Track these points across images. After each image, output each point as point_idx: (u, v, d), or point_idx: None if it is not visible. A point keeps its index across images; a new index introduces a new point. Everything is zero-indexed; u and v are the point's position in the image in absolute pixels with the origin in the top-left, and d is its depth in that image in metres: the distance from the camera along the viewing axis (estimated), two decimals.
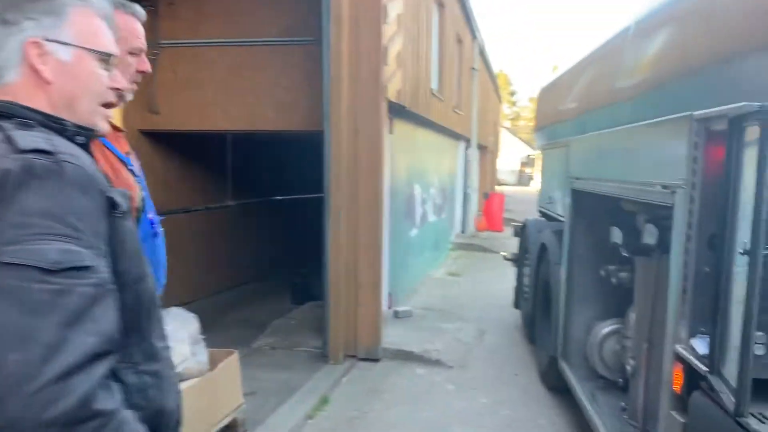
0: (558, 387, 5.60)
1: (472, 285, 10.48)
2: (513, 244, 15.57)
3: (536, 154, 57.73)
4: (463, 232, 16.29)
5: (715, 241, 2.56)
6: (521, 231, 7.80)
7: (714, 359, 2.17)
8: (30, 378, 1.00)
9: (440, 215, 12.57)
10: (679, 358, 2.63)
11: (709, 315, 2.62)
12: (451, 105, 12.16)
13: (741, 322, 1.86)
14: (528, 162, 64.86)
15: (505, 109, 63.35)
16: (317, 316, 7.26)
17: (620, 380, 4.51)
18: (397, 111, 7.31)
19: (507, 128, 53.59)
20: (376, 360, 6.30)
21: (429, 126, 10.19)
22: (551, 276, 5.50)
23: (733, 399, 1.91)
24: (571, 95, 6.31)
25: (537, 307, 6.38)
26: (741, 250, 1.84)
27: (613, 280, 4.45)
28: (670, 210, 3.64)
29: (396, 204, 8.11)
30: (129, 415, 1.14)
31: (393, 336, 6.81)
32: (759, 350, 2.12)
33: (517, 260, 8.12)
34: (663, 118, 2.93)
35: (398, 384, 5.77)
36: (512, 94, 68.44)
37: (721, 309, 2.14)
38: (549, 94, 7.76)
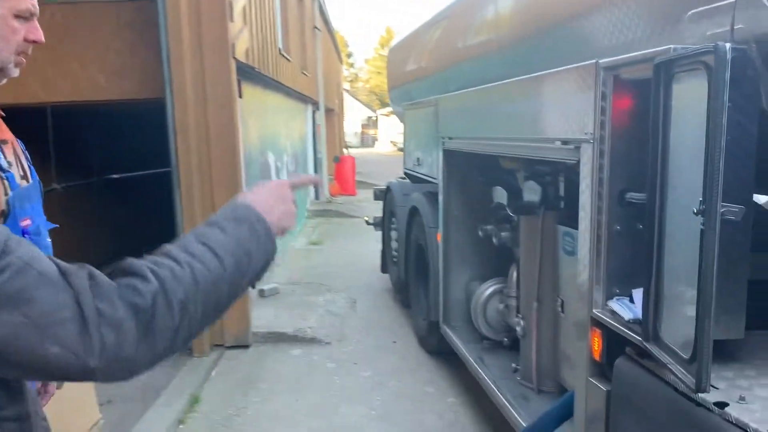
0: (439, 351, 5.51)
1: (335, 253, 10.20)
2: (372, 208, 15.56)
3: (378, 115, 58.39)
4: (317, 198, 15.94)
5: (627, 197, 2.42)
6: (384, 194, 7.59)
7: (650, 327, 2.02)
8: None
9: None
10: (597, 324, 2.49)
11: (626, 278, 2.51)
12: (298, 66, 11.61)
13: (697, 290, 1.70)
14: (370, 123, 65.65)
15: (344, 71, 63.25)
16: None
17: (505, 340, 4.46)
18: (245, 73, 6.70)
19: (347, 90, 53.50)
20: (246, 346, 5.82)
21: (278, 89, 9.61)
22: (426, 239, 5.32)
23: (684, 372, 1.76)
24: (429, 52, 6.11)
25: (410, 271, 6.22)
26: (694, 210, 1.66)
27: (494, 239, 4.34)
28: (558, 166, 3.57)
29: (250, 175, 7.54)
30: None
31: (262, 317, 6.35)
32: (682, 310, 2.01)
33: (382, 224, 7.93)
34: (561, 68, 2.73)
35: (274, 370, 5.36)
36: (349, 55, 68.38)
37: (657, 272, 1.99)
38: (403, 52, 7.53)
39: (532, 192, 3.77)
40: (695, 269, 1.85)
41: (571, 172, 3.56)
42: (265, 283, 7.48)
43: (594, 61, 2.43)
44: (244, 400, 4.78)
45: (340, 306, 7.05)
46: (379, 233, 9.05)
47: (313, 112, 15.56)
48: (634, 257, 2.49)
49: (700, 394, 1.85)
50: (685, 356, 1.80)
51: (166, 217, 5.76)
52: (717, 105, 1.60)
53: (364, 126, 65.38)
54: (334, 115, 20.75)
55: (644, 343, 2.06)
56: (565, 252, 3.43)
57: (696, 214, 1.65)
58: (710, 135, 1.61)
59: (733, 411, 1.79)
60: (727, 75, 1.60)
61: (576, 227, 3.31)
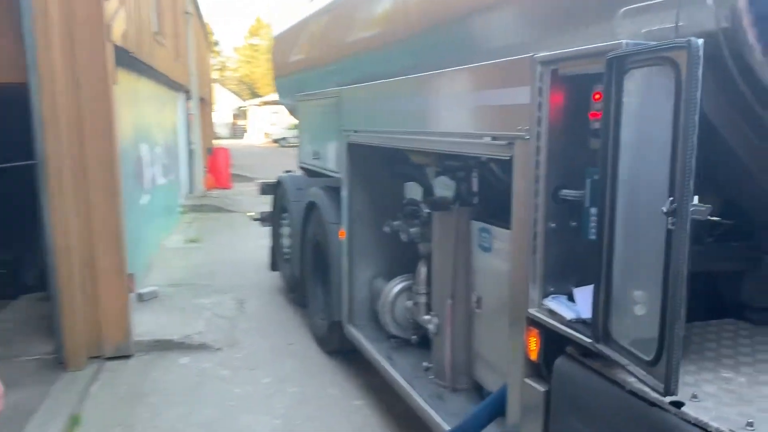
0: (340, 351, 5.35)
1: (216, 250, 9.70)
2: (251, 202, 15.10)
3: (249, 105, 56.77)
4: (191, 192, 15.15)
5: (562, 194, 2.38)
6: (274, 189, 7.28)
7: (600, 327, 1.98)
8: None
9: (168, 176, 11.38)
10: (534, 323, 2.44)
11: (563, 276, 2.48)
12: (172, 52, 10.90)
13: (663, 290, 1.66)
14: (240, 114, 63.87)
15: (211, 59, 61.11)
16: (41, 313, 5.92)
17: (414, 338, 4.38)
18: (120, 58, 6.12)
19: (215, 80, 51.69)
20: (128, 357, 5.33)
21: (151, 75, 8.94)
22: (327, 236, 5.13)
23: (646, 374, 1.73)
24: (322, 42, 5.89)
25: (306, 268, 5.99)
26: (664, 209, 1.62)
27: (403, 235, 4.23)
28: (472, 161, 3.51)
29: (125, 168, 6.93)
30: None
31: (143, 324, 5.85)
32: (640, 310, 1.99)
33: (271, 220, 7.61)
34: (494, 62, 2.65)
35: (162, 381, 4.94)
36: (215, 44, 65.97)
37: (607, 271, 1.95)
38: (290, 41, 7.24)
39: (445, 187, 3.69)
40: (651, 268, 1.83)
41: (485, 168, 3.53)
42: (143, 286, 6.93)
43: (530, 54, 2.36)
44: (132, 417, 4.35)
45: (228, 308, 6.68)
46: (265, 229, 8.72)
47: (185, 101, 14.75)
48: (570, 255, 2.46)
49: (654, 394, 1.84)
50: (647, 358, 1.77)
51: (27, 213, 5.13)
52: (690, 102, 1.56)
53: (235, 116, 63.51)
54: (205, 104, 19.85)
55: (595, 344, 2.02)
56: (482, 248, 3.39)
57: (666, 214, 1.61)
58: (683, 133, 1.57)
59: (690, 410, 1.78)
60: (700, 72, 1.56)
61: (493, 223, 3.31)
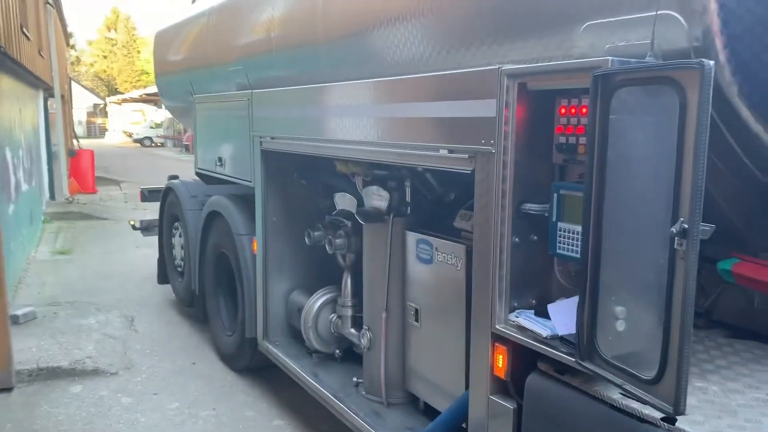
0: (250, 368, 5.09)
1: (90, 263, 8.93)
2: (121, 208, 14.14)
3: (108, 102, 53.52)
4: (52, 198, 13.90)
5: (525, 208, 2.36)
6: (164, 196, 6.80)
7: (584, 345, 1.97)
8: None
9: (31, 182, 10.36)
10: (501, 339, 2.40)
11: (529, 291, 2.46)
12: (36, 46, 9.90)
13: (667, 310, 1.66)
14: (98, 112, 59.91)
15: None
16: None
17: (338, 352, 4.24)
18: None
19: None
20: (8, 389, 4.73)
21: (11, 72, 8.06)
22: (235, 247, 4.84)
23: (645, 393, 1.72)
24: (216, 41, 5.56)
25: (206, 282, 5.63)
26: (674, 230, 1.61)
27: (328, 247, 4.07)
28: (405, 171, 3.43)
29: None
30: None
31: (23, 351, 5.24)
32: (620, 326, 2.00)
33: (159, 229, 7.11)
34: (455, 72, 2.57)
35: (55, 415, 4.42)
36: (70, 36, 61.43)
37: (593, 289, 1.94)
38: (176, 37, 6.79)
39: (376, 198, 3.58)
40: (647, 287, 1.84)
41: (420, 178, 3.47)
42: (17, 307, 6.21)
43: (496, 67, 2.32)
44: None
45: (118, 327, 6.15)
46: (147, 239, 8.16)
47: (46, 99, 13.51)
48: (535, 270, 2.45)
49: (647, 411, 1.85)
50: (647, 376, 1.77)
51: None
52: (701, 123, 1.57)
53: (90, 114, 59.44)
54: (65, 102, 18.32)
55: (580, 362, 2.00)
56: (421, 260, 3.31)
57: (677, 234, 1.60)
58: (695, 153, 1.57)
59: (685, 426, 1.80)
60: (710, 92, 1.57)
61: (433, 234, 3.24)
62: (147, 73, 60.97)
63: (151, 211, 10.45)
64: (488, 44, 2.67)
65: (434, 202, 3.53)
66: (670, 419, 1.83)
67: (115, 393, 4.77)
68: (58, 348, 5.41)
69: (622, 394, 2.01)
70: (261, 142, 4.32)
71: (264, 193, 4.42)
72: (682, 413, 1.66)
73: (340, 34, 3.65)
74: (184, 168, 18.84)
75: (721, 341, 2.44)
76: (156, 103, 44.37)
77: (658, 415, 1.85)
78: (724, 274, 2.32)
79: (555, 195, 2.29)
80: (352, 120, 3.23)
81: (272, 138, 4.19)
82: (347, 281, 4.07)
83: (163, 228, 7.00)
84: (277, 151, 4.19)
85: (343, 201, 3.84)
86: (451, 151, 2.57)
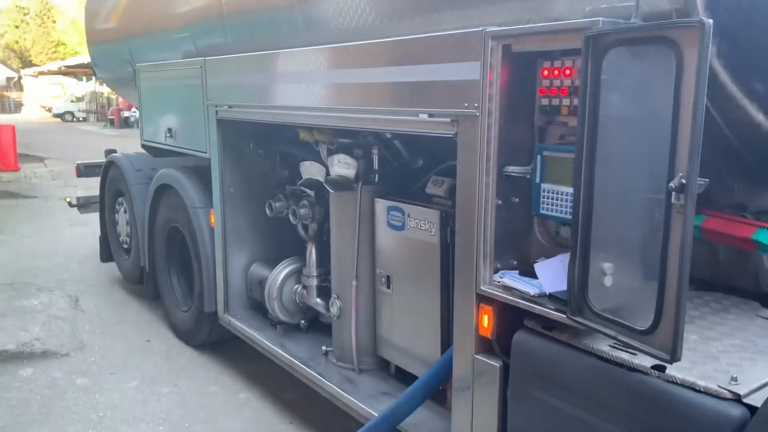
0: (208, 343, 5.01)
1: (23, 243, 8.50)
2: (49, 185, 13.48)
3: (23, 75, 50.63)
4: None
5: (507, 171, 2.40)
6: (105, 170, 6.52)
7: (576, 300, 2.02)
8: None
9: None
10: (486, 299, 2.44)
11: (513, 252, 2.50)
12: None
13: (662, 263, 1.73)
14: (11, 86, 56.59)
15: None
16: None
17: (303, 323, 4.22)
18: None
19: None
20: None
21: None
22: (190, 221, 4.71)
23: (642, 343, 1.80)
24: (156, 7, 5.32)
25: (158, 258, 5.47)
26: (673, 185, 1.67)
27: (292, 218, 4.02)
28: (371, 138, 3.41)
29: None
30: None
31: None
32: (610, 281, 2.07)
33: (99, 205, 6.84)
34: (438, 35, 2.54)
35: (6, 400, 4.23)
36: None
37: (583, 246, 1.99)
38: (108, 4, 6.46)
39: (344, 166, 3.55)
40: (643, 241, 1.91)
41: (388, 145, 3.46)
42: None
43: (481, 29, 2.32)
44: None
45: (63, 308, 5.92)
46: (82, 216, 7.86)
47: None
48: (517, 232, 2.50)
49: (632, 360, 1.94)
50: (641, 327, 1.84)
51: None
52: (700, 80, 1.62)
53: (3, 89, 56.10)
54: None
55: (571, 317, 2.06)
56: (392, 227, 3.31)
57: (675, 190, 1.67)
58: (694, 110, 1.63)
59: (674, 372, 1.90)
60: (709, 50, 1.62)
61: (405, 201, 3.25)
62: (64, 44, 57.91)
63: (83, 187, 10.05)
64: (464, 7, 2.67)
65: (402, 169, 3.53)
66: (660, 367, 1.93)
67: (69, 374, 4.61)
68: (1, 331, 5.17)
69: (611, 346, 2.09)
70: (217, 111, 4.19)
71: (221, 164, 4.31)
72: (679, 360, 1.74)
73: None
74: (111, 142, 18.14)
75: (691, 293, 2.57)
76: (76, 76, 42.27)
77: (648, 363, 1.95)
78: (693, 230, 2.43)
79: (538, 156, 2.34)
80: (322, 86, 3.17)
81: (229, 107, 4.07)
82: (312, 251, 4.04)
83: (104, 204, 6.73)
84: (235, 119, 4.08)
85: (311, 170, 3.79)
86: (431, 116, 2.57)
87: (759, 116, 2.16)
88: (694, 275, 2.67)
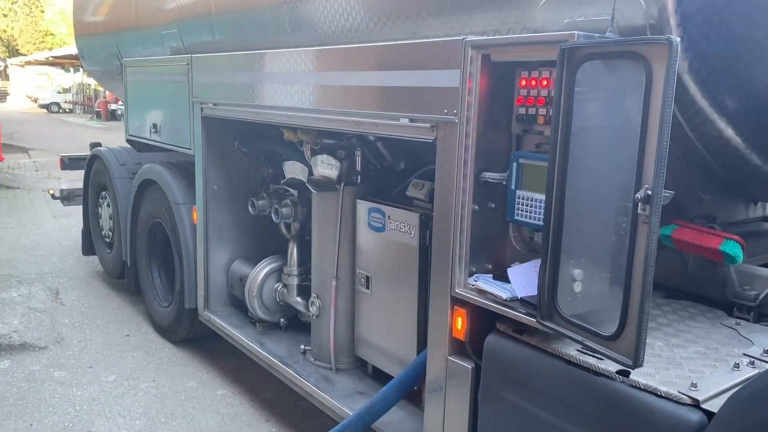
0: (188, 339, 5.02)
1: (6, 234, 8.45)
2: (33, 177, 13.37)
3: (9, 64, 49.84)
4: None
5: (484, 177, 2.45)
6: (89, 163, 6.50)
7: (544, 305, 2.08)
8: None
9: None
10: (460, 302, 2.49)
11: (487, 257, 2.55)
12: None
13: (627, 271, 1.78)
14: None
15: None
16: None
17: (282, 321, 4.25)
18: None
19: None
20: None
21: None
22: (172, 217, 4.72)
23: (607, 348, 1.85)
24: (155, 0, 5.33)
25: (139, 253, 5.48)
26: (639, 196, 1.72)
27: (274, 216, 4.05)
28: (355, 140, 3.45)
29: None
30: None
31: None
32: (579, 287, 2.13)
33: (83, 198, 6.82)
34: (419, 42, 2.59)
35: None
36: None
37: (554, 252, 2.04)
38: None
39: (327, 167, 3.59)
40: (608, 249, 1.96)
41: (371, 147, 3.50)
42: None
43: (461, 38, 2.36)
44: None
45: (42, 300, 5.90)
46: (65, 209, 7.83)
47: None
48: (492, 236, 2.55)
49: (600, 364, 2.00)
50: (606, 333, 1.90)
51: None
52: (667, 95, 1.68)
53: None
54: None
55: (541, 321, 2.12)
56: (373, 228, 3.35)
57: (641, 201, 1.72)
58: (660, 124, 1.68)
59: (638, 377, 1.96)
60: (676, 66, 1.68)
61: (385, 203, 3.29)
62: (52, 34, 57.27)
63: (67, 179, 9.99)
64: (447, 14, 2.71)
65: (384, 171, 3.57)
66: (624, 372, 1.98)
67: (47, 367, 4.60)
68: None
69: (579, 351, 2.15)
70: (202, 108, 4.21)
71: (204, 162, 4.33)
72: (641, 365, 1.80)
73: None
74: (97, 135, 18.01)
75: (660, 301, 2.64)
76: (64, 67, 41.90)
77: (614, 368, 2.01)
78: (663, 239, 2.50)
79: (514, 164, 2.39)
80: (307, 88, 3.21)
81: (215, 105, 4.09)
82: (293, 250, 4.07)
83: (87, 197, 6.72)
84: (220, 117, 4.10)
85: (293, 169, 3.82)
86: (412, 120, 2.61)
87: (728, 130, 2.22)
88: (665, 283, 2.77)
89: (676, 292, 2.72)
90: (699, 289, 2.66)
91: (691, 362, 2.08)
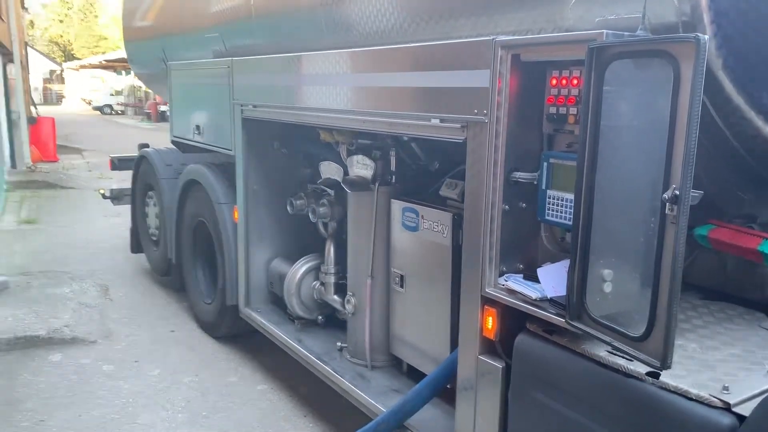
0: (230, 335, 5.14)
1: (58, 232, 8.79)
2: (86, 177, 13.87)
3: (65, 68, 51.70)
4: (14, 167, 13.54)
5: (515, 177, 2.44)
6: (137, 164, 6.72)
7: (574, 306, 2.07)
8: None
9: None
10: (491, 302, 2.49)
11: (518, 257, 2.55)
12: None
13: (655, 272, 1.77)
14: (54, 78, 58.07)
15: None
16: None
17: (320, 318, 4.31)
18: None
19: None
20: None
21: None
22: (215, 216, 4.84)
23: (635, 350, 1.84)
24: (194, 8, 5.46)
25: (184, 251, 5.63)
26: (666, 196, 1.71)
27: (311, 215, 4.12)
28: (390, 141, 3.48)
29: None
30: None
31: None
32: (608, 288, 2.11)
33: (132, 198, 7.04)
34: (449, 42, 2.61)
35: (36, 383, 4.42)
36: None
37: (583, 253, 2.03)
38: (152, 1, 6.64)
39: (362, 167, 3.63)
40: (637, 250, 1.94)
41: (405, 147, 3.53)
42: None
43: (491, 38, 2.37)
44: (10, 428, 3.86)
45: (93, 296, 6.11)
46: (115, 208, 8.07)
47: (4, 65, 13.07)
48: (523, 236, 2.55)
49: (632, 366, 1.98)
50: (635, 334, 1.88)
51: None
52: (695, 94, 1.65)
53: (46, 81, 57.55)
54: (23, 68, 17.73)
55: (569, 322, 2.11)
56: (407, 227, 3.38)
57: (669, 201, 1.70)
58: (688, 123, 1.66)
59: (669, 379, 1.93)
60: (704, 64, 1.65)
61: (420, 203, 3.32)
62: (105, 38, 59.17)
63: (118, 179, 10.31)
64: (478, 15, 2.72)
65: (418, 171, 3.60)
66: (654, 374, 1.96)
67: (96, 361, 4.78)
68: (34, 317, 5.37)
69: (608, 351, 2.13)
70: (242, 110, 4.31)
71: (245, 162, 4.43)
72: (669, 368, 1.78)
73: (324, 1, 3.64)
74: (147, 136, 18.57)
75: (696, 302, 2.59)
76: (116, 70, 43.17)
77: (644, 370, 1.98)
78: (699, 240, 2.45)
79: (545, 164, 2.38)
80: (341, 89, 3.26)
81: (254, 106, 4.18)
82: (330, 249, 4.13)
83: (135, 197, 6.94)
84: (260, 119, 4.19)
85: (329, 170, 3.88)
86: (443, 121, 2.63)
87: (766, 129, 2.17)
88: (702, 284, 2.72)
89: (714, 294, 2.66)
90: (737, 290, 2.61)
91: (725, 365, 2.04)
